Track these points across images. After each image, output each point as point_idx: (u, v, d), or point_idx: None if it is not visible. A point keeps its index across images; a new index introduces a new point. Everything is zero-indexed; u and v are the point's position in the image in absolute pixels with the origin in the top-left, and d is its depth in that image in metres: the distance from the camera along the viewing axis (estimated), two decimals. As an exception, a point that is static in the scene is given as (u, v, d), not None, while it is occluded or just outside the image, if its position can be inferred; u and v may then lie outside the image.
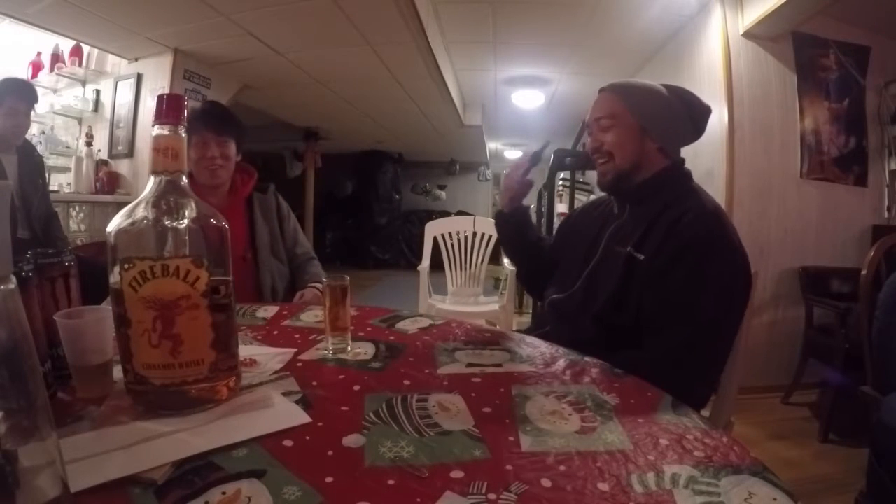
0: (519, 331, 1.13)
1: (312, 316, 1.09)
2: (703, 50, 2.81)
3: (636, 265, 0.98)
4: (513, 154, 8.32)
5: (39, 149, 2.78)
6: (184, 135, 0.61)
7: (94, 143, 3.41)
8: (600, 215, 1.20)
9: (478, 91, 4.77)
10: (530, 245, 1.31)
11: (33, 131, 3.39)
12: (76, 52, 3.35)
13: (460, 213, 7.84)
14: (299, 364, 0.78)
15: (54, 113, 3.47)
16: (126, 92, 3.39)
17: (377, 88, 4.22)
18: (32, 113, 2.14)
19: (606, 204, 1.22)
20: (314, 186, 6.78)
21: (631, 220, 1.07)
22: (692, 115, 1.07)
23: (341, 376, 0.73)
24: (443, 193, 9.13)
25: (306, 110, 5.28)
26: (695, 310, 0.91)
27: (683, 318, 0.91)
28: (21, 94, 2.03)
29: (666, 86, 1.08)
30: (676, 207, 0.98)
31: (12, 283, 0.34)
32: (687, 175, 1.09)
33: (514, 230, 1.30)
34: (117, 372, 0.63)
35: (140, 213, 0.59)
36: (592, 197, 1.34)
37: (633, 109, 1.05)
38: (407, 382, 0.71)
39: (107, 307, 0.63)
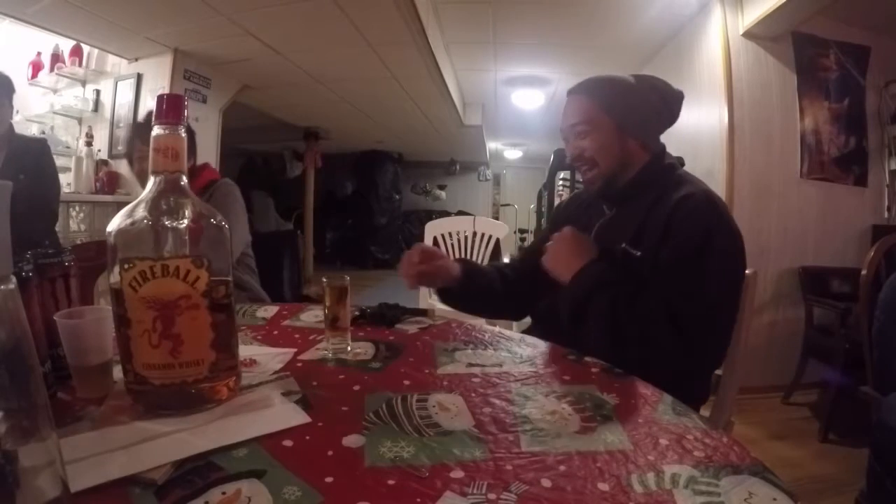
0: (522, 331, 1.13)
1: (312, 316, 1.09)
2: (703, 50, 2.81)
3: (632, 262, 0.96)
4: (513, 154, 8.31)
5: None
6: (184, 135, 0.61)
7: (94, 143, 3.41)
8: (582, 214, 1.17)
9: (478, 91, 4.78)
10: (492, 289, 1.21)
11: (33, 131, 3.41)
12: (76, 52, 3.35)
13: (460, 213, 7.85)
14: (299, 364, 0.78)
15: (54, 113, 3.46)
16: (126, 92, 3.39)
17: (377, 88, 4.23)
18: (14, 106, 2.04)
19: (587, 203, 1.18)
20: (314, 186, 6.78)
21: (620, 218, 1.05)
22: (665, 101, 1.04)
23: (341, 376, 0.73)
24: (443, 193, 9.14)
25: (306, 110, 5.28)
26: (700, 292, 0.89)
27: (687, 296, 0.89)
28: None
29: (633, 75, 1.05)
30: (667, 200, 0.95)
31: (12, 283, 0.34)
32: (671, 166, 1.06)
33: (475, 293, 1.18)
34: (117, 372, 0.63)
35: (140, 213, 0.59)
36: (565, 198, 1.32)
37: (608, 109, 1.01)
38: (407, 382, 0.71)
39: (107, 307, 0.63)
